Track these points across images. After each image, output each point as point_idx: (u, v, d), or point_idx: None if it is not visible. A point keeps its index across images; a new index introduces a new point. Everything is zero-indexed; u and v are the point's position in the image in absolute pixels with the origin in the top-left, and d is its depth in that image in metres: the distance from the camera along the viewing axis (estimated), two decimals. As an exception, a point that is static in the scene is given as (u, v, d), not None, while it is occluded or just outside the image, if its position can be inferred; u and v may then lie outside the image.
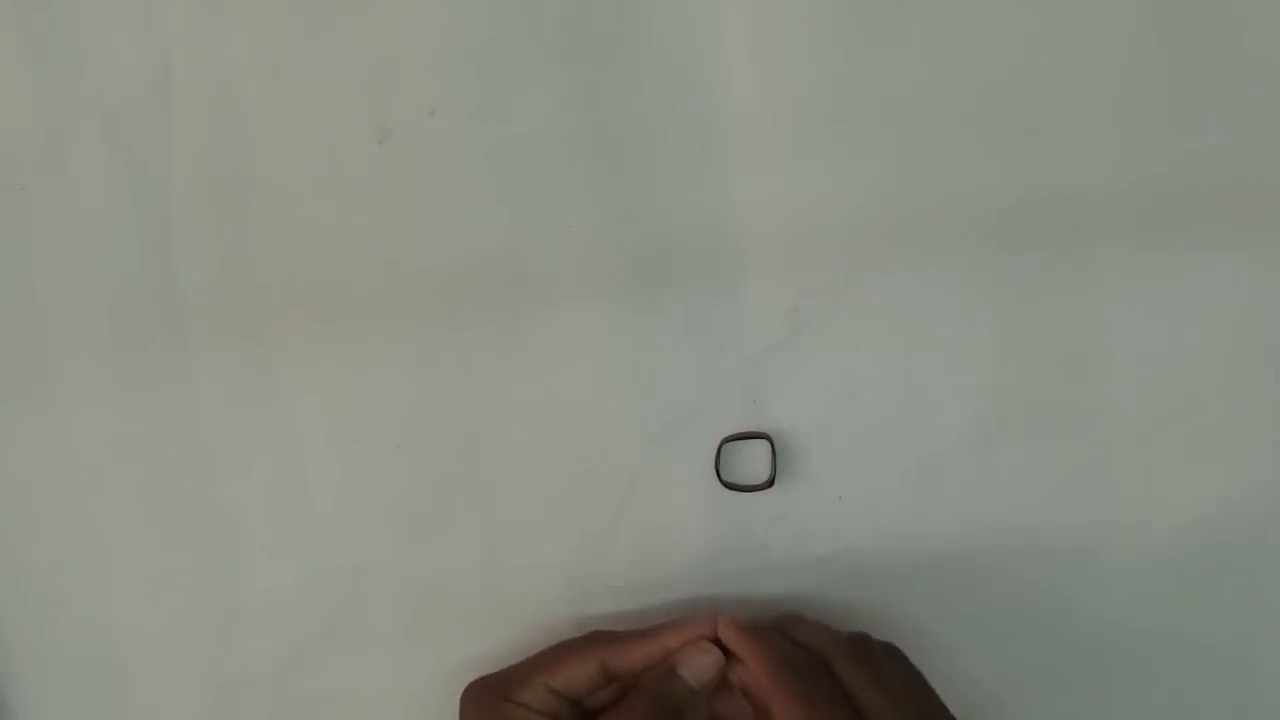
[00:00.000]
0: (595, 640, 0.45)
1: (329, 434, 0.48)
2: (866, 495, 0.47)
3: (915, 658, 0.45)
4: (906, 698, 0.43)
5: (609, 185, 0.46)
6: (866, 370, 0.46)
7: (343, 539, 0.48)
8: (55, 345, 0.47)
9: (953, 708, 0.43)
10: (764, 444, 0.47)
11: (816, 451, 0.47)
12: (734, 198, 0.46)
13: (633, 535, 0.48)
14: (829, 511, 0.47)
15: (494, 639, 0.47)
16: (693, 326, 0.47)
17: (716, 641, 0.44)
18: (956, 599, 0.48)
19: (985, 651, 0.48)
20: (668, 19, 0.45)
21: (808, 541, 0.47)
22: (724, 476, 0.47)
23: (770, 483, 0.47)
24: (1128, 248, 0.46)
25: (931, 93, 0.45)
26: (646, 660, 0.44)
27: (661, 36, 0.45)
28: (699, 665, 0.44)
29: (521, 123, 0.46)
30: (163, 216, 0.46)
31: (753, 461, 0.47)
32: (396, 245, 0.46)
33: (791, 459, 0.47)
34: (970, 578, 0.48)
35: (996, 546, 0.47)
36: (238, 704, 0.49)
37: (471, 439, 0.47)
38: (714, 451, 0.47)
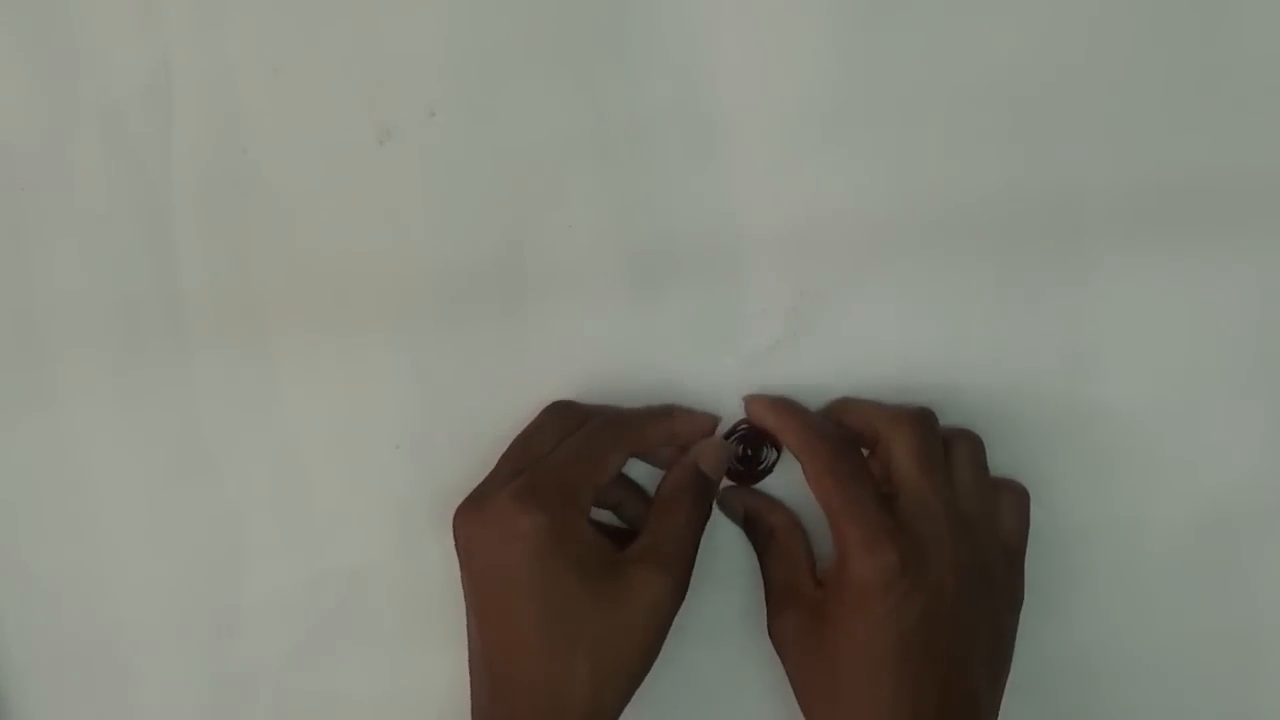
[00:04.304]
0: (617, 427, 0.44)
1: (329, 434, 0.48)
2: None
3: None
4: (945, 488, 0.42)
5: (609, 185, 0.46)
6: (866, 370, 0.46)
7: (343, 539, 0.48)
8: (55, 346, 0.47)
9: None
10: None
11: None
12: (734, 197, 0.46)
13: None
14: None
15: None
16: (693, 326, 0.47)
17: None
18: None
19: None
20: (668, 19, 0.45)
21: (812, 540, 0.47)
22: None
23: (770, 468, 0.47)
24: (1128, 247, 0.46)
25: (931, 93, 0.45)
26: (658, 443, 0.45)
27: (661, 36, 0.45)
28: (717, 460, 0.45)
29: (521, 123, 0.46)
30: (163, 216, 0.46)
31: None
32: (396, 245, 0.46)
33: (790, 462, 0.47)
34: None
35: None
36: (238, 704, 0.49)
37: (471, 439, 0.47)
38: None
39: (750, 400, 0.46)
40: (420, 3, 0.45)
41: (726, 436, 0.47)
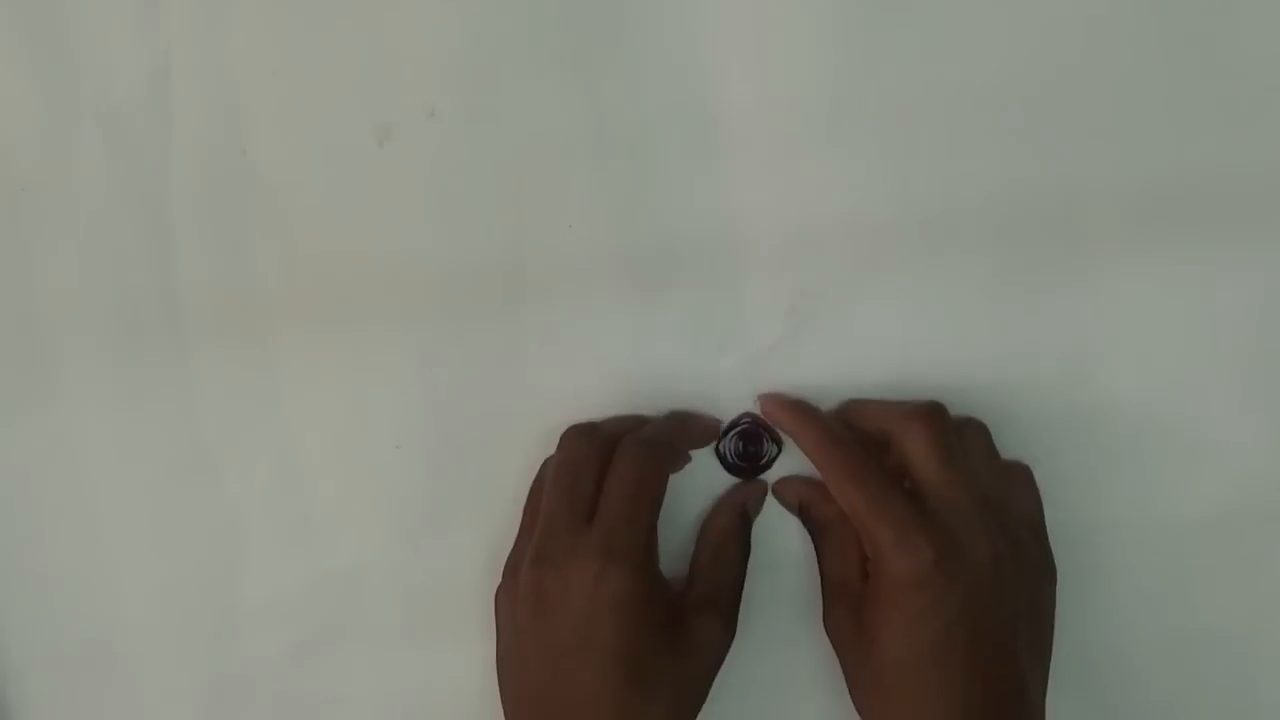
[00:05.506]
0: (656, 458, 0.44)
1: (329, 434, 0.48)
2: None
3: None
4: (967, 478, 0.42)
5: (609, 185, 0.46)
6: (866, 370, 0.46)
7: (343, 539, 0.48)
8: (56, 346, 0.47)
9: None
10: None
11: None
12: (734, 197, 0.46)
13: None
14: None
15: (494, 639, 0.46)
16: (693, 326, 0.47)
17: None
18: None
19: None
20: (668, 19, 0.45)
21: (809, 539, 0.47)
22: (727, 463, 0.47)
23: (770, 463, 0.47)
24: (1128, 247, 0.46)
25: (932, 93, 0.45)
26: (682, 457, 0.46)
27: (661, 36, 0.45)
28: (759, 504, 0.47)
29: (521, 123, 0.46)
30: (163, 216, 0.46)
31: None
32: (396, 245, 0.46)
33: (790, 459, 0.47)
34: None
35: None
36: (238, 704, 0.49)
37: (471, 439, 0.47)
38: (714, 453, 0.47)
39: (765, 399, 0.46)
40: (420, 3, 0.45)
41: (727, 430, 0.47)
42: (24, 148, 0.46)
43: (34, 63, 0.46)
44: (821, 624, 0.45)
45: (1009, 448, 0.46)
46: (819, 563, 0.46)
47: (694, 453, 0.47)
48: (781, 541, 0.47)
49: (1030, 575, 0.43)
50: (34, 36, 0.46)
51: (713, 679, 0.43)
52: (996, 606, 0.41)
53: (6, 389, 0.48)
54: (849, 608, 0.44)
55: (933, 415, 0.43)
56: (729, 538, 0.46)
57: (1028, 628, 0.42)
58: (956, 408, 0.46)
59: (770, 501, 0.47)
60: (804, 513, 0.47)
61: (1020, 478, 0.45)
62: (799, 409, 0.45)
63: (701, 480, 0.47)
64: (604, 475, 0.43)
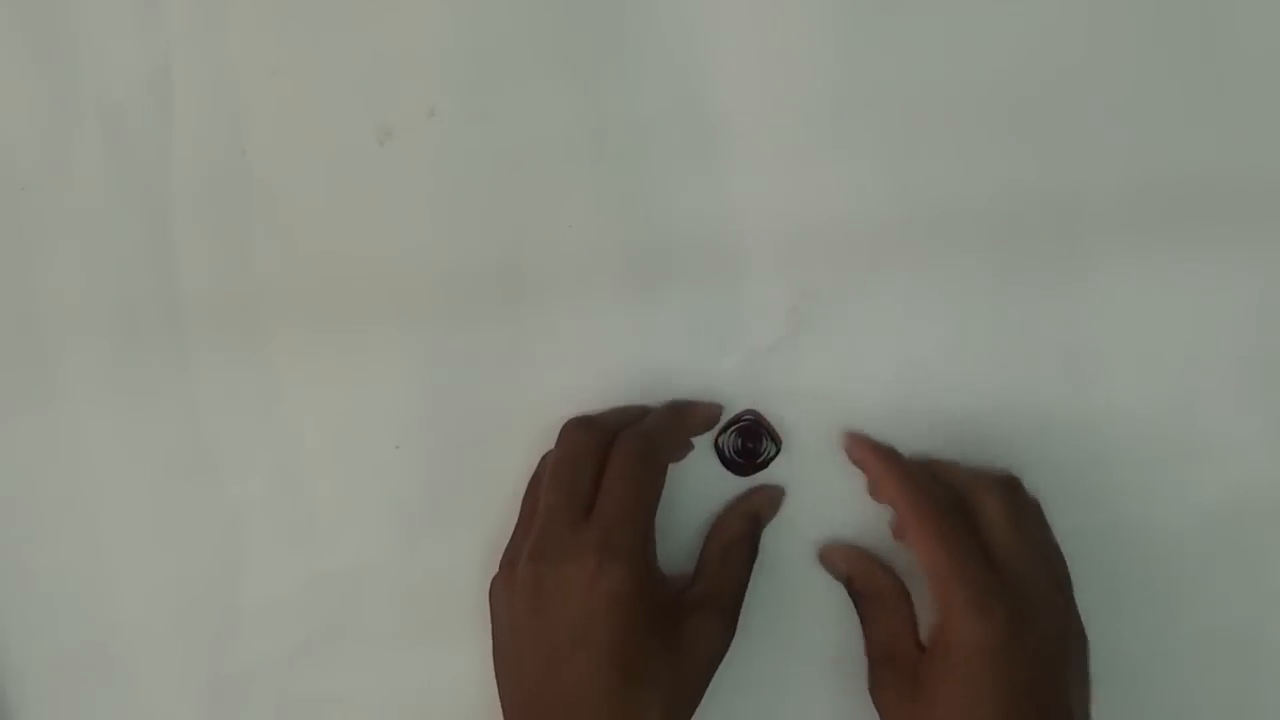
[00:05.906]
0: (652, 454, 0.43)
1: (329, 434, 0.48)
2: (866, 496, 0.47)
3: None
4: (1038, 551, 0.42)
5: (609, 185, 0.46)
6: (866, 370, 0.46)
7: (343, 539, 0.48)
8: (56, 345, 0.47)
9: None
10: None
11: (815, 451, 0.47)
12: (734, 197, 0.46)
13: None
14: (829, 512, 0.47)
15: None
16: (693, 326, 0.47)
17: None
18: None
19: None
20: (668, 19, 0.45)
21: (807, 539, 0.47)
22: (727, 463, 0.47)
23: (767, 462, 0.47)
24: (1128, 248, 0.46)
25: (931, 93, 0.45)
26: (681, 449, 0.46)
27: (661, 37, 0.45)
28: (773, 510, 0.47)
29: (521, 123, 0.46)
30: (163, 216, 0.47)
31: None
32: (397, 245, 0.46)
33: (790, 458, 0.47)
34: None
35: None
36: (238, 704, 0.49)
37: (471, 439, 0.47)
38: (712, 447, 0.47)
39: (851, 439, 0.46)
40: (420, 3, 0.45)
41: (727, 426, 0.47)
42: (24, 148, 0.46)
43: (35, 62, 0.46)
44: (813, 636, 0.45)
45: (1008, 448, 0.46)
46: (864, 630, 0.46)
47: (693, 453, 0.47)
48: (783, 546, 0.47)
49: (1081, 640, 0.43)
50: (35, 36, 0.46)
51: (710, 678, 0.43)
52: (1060, 674, 0.41)
53: (6, 389, 0.48)
54: (900, 673, 0.43)
55: (1008, 484, 0.43)
56: (739, 541, 0.46)
57: (1080, 690, 0.42)
58: (955, 407, 0.46)
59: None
60: (852, 583, 0.46)
61: (1056, 550, 0.45)
62: (885, 453, 0.45)
63: (702, 479, 0.47)
64: (602, 469, 0.43)
